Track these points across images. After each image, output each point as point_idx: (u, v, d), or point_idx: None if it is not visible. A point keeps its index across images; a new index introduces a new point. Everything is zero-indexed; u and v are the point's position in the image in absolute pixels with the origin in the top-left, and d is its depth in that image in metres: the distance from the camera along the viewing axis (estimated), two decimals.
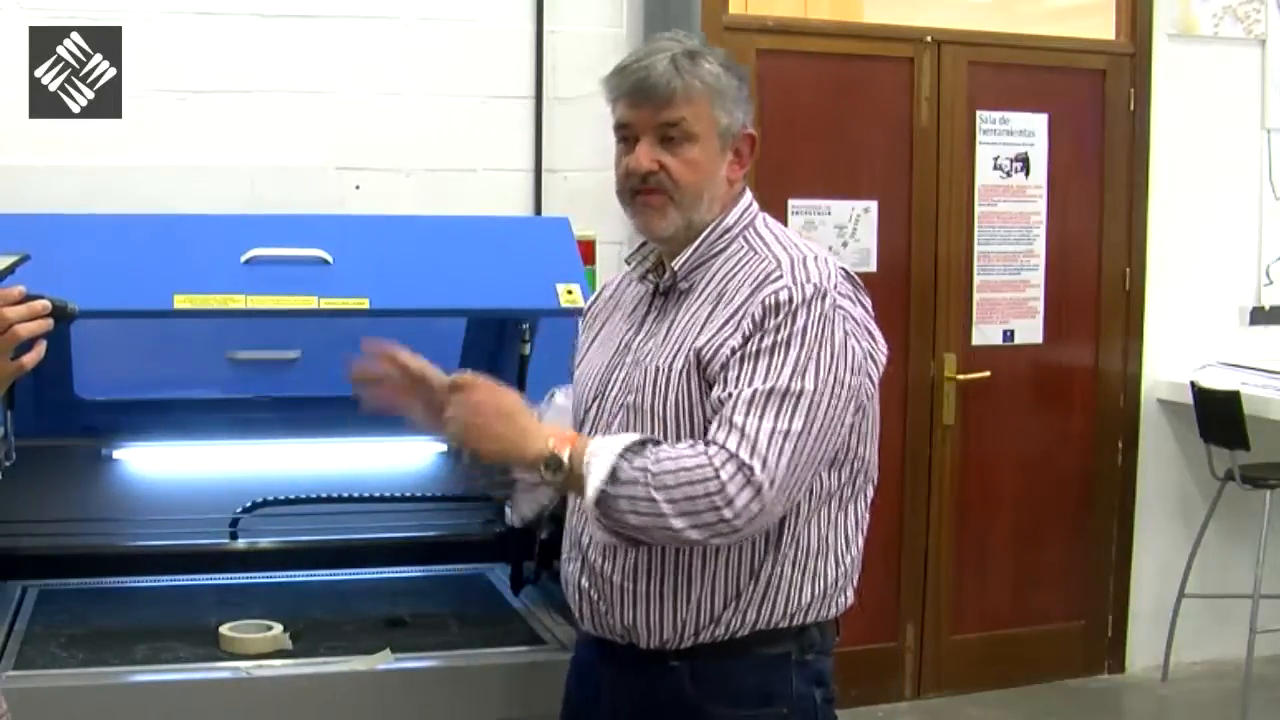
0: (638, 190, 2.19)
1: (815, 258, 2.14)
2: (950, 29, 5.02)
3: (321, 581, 3.25)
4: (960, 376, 5.02)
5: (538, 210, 4.39)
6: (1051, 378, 5.20)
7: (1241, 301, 5.36)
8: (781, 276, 2.11)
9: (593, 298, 2.47)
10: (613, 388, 2.23)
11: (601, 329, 2.36)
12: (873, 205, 4.88)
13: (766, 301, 2.08)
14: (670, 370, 2.13)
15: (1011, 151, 5.05)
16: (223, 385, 3.42)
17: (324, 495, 3.30)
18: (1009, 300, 5.09)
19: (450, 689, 2.74)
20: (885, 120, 4.90)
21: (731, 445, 2.00)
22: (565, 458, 2.04)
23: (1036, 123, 5.07)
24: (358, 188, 4.25)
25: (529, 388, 3.25)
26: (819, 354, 2.05)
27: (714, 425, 2.04)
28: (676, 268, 2.20)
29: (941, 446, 5.03)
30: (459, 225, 3.47)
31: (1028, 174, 5.07)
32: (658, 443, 2.06)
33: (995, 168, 5.03)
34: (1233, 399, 4.88)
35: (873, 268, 4.82)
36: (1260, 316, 5.36)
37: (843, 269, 2.17)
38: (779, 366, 2.04)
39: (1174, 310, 5.26)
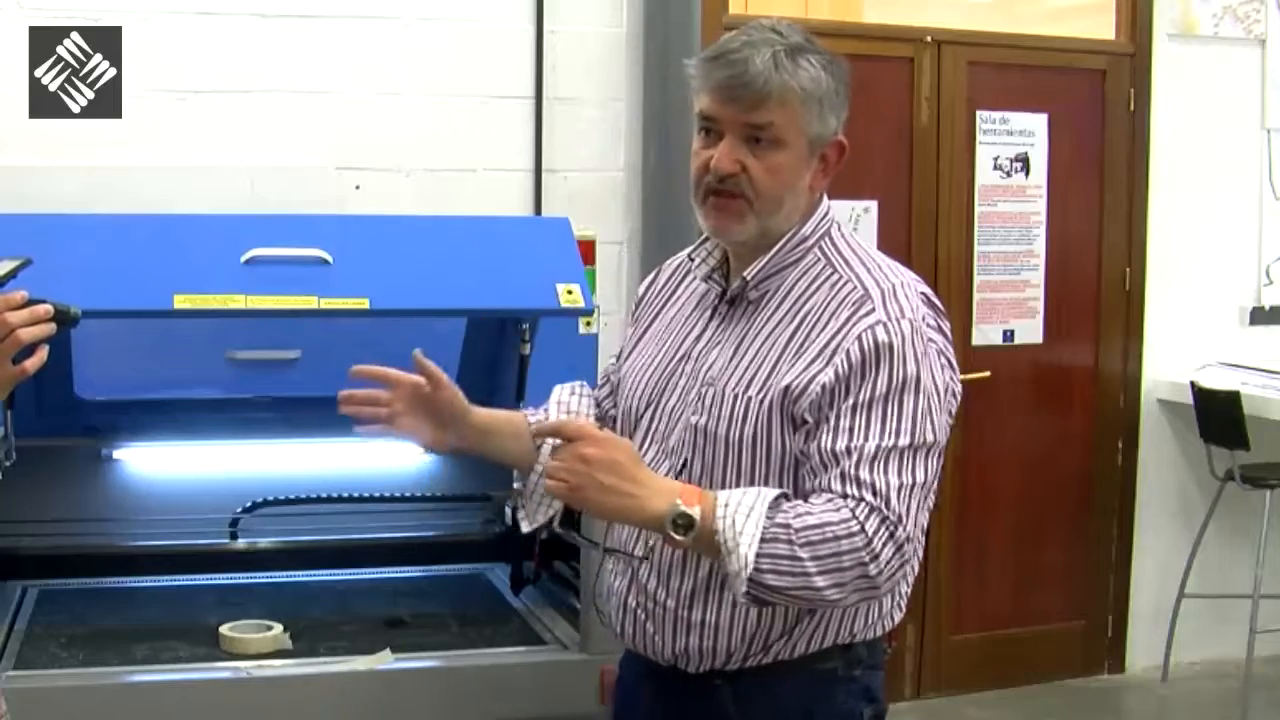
0: (714, 190, 2.05)
1: (904, 285, 2.06)
2: (950, 29, 5.02)
3: (321, 581, 3.25)
4: (960, 376, 5.01)
5: (538, 210, 4.39)
6: (1051, 378, 5.20)
7: (1241, 301, 5.35)
8: (874, 310, 2.00)
9: (644, 286, 2.32)
10: (670, 397, 2.13)
11: (653, 322, 2.24)
12: (873, 205, 4.88)
13: (865, 343, 1.97)
14: (749, 400, 2.02)
15: (1011, 151, 5.05)
16: (223, 385, 3.41)
17: (324, 495, 3.31)
18: (1009, 300, 5.09)
19: (450, 689, 2.74)
20: (885, 120, 4.90)
21: (872, 500, 1.91)
22: (697, 516, 1.90)
23: (1036, 123, 5.07)
24: (358, 188, 4.25)
25: (529, 388, 3.26)
26: (931, 401, 1.98)
27: (837, 479, 1.94)
28: (749, 277, 2.08)
29: None
30: (459, 225, 3.47)
31: (1028, 174, 5.07)
32: (788, 496, 1.97)
33: (995, 168, 5.03)
34: (1233, 399, 4.88)
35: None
36: (1260, 316, 5.36)
37: (924, 294, 2.10)
38: (898, 418, 1.95)
39: (1174, 310, 5.26)
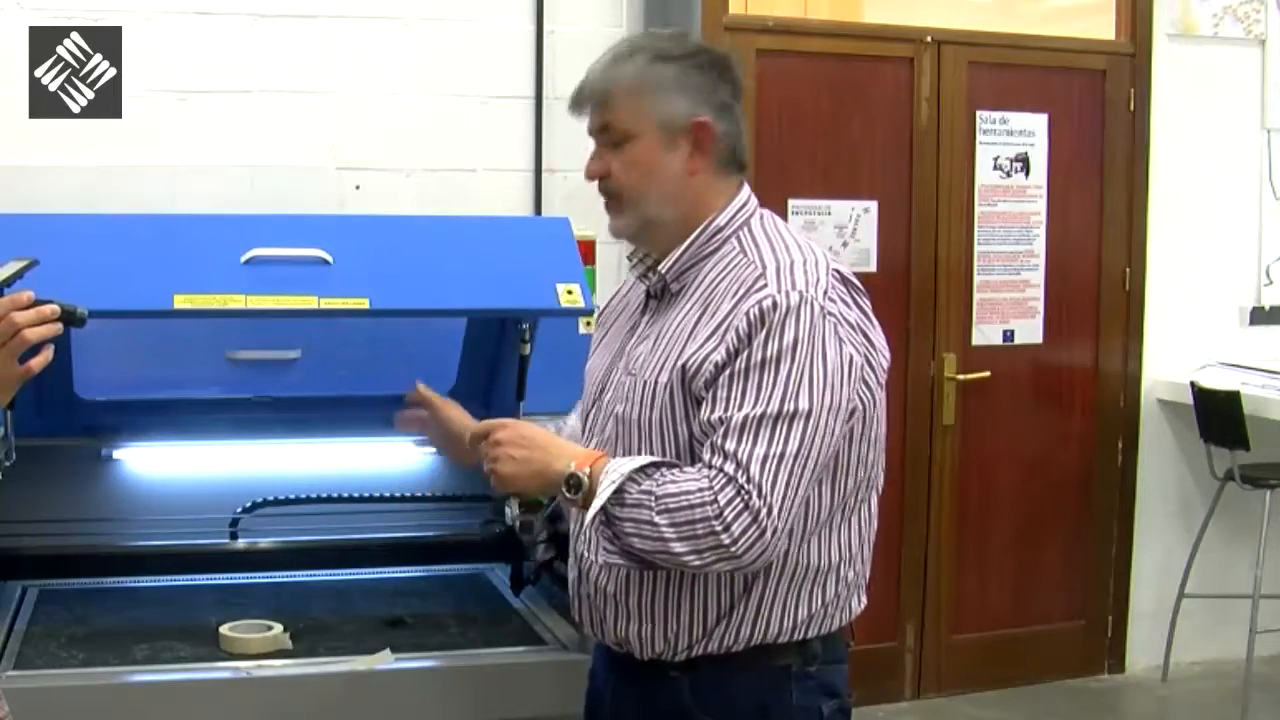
0: (602, 195, 2.20)
1: (805, 262, 2.08)
2: (950, 29, 5.02)
3: (321, 581, 3.25)
4: (960, 376, 5.02)
5: (538, 210, 4.40)
6: (1051, 378, 5.20)
7: (1241, 301, 5.36)
8: (766, 285, 2.04)
9: (610, 298, 2.42)
10: (607, 393, 2.21)
11: (609, 330, 2.33)
12: (873, 205, 4.88)
13: (751, 314, 2.01)
14: (656, 384, 2.09)
15: (1011, 151, 5.05)
16: (223, 385, 3.41)
17: (324, 495, 3.30)
18: (1009, 300, 5.09)
19: (450, 689, 2.74)
20: (885, 120, 4.90)
21: (729, 470, 1.96)
22: (585, 477, 2.03)
23: (1036, 123, 5.07)
24: (358, 188, 4.25)
25: (529, 388, 3.26)
26: (811, 370, 1.99)
27: (707, 449, 2.01)
28: (664, 270, 2.16)
29: (941, 446, 5.04)
30: (459, 225, 3.47)
31: (1028, 174, 5.07)
32: (674, 465, 2.03)
33: (995, 168, 5.03)
34: (1233, 399, 4.88)
35: (873, 268, 4.82)
36: (1260, 316, 5.36)
37: (837, 270, 2.11)
38: (770, 386, 1.99)
39: (1174, 310, 5.26)
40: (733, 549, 1.96)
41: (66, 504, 3.22)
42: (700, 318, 2.09)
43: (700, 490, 1.97)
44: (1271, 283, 5.37)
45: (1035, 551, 5.22)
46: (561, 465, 2.06)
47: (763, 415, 1.98)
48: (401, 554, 3.33)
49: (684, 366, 2.06)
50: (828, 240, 4.74)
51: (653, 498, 1.98)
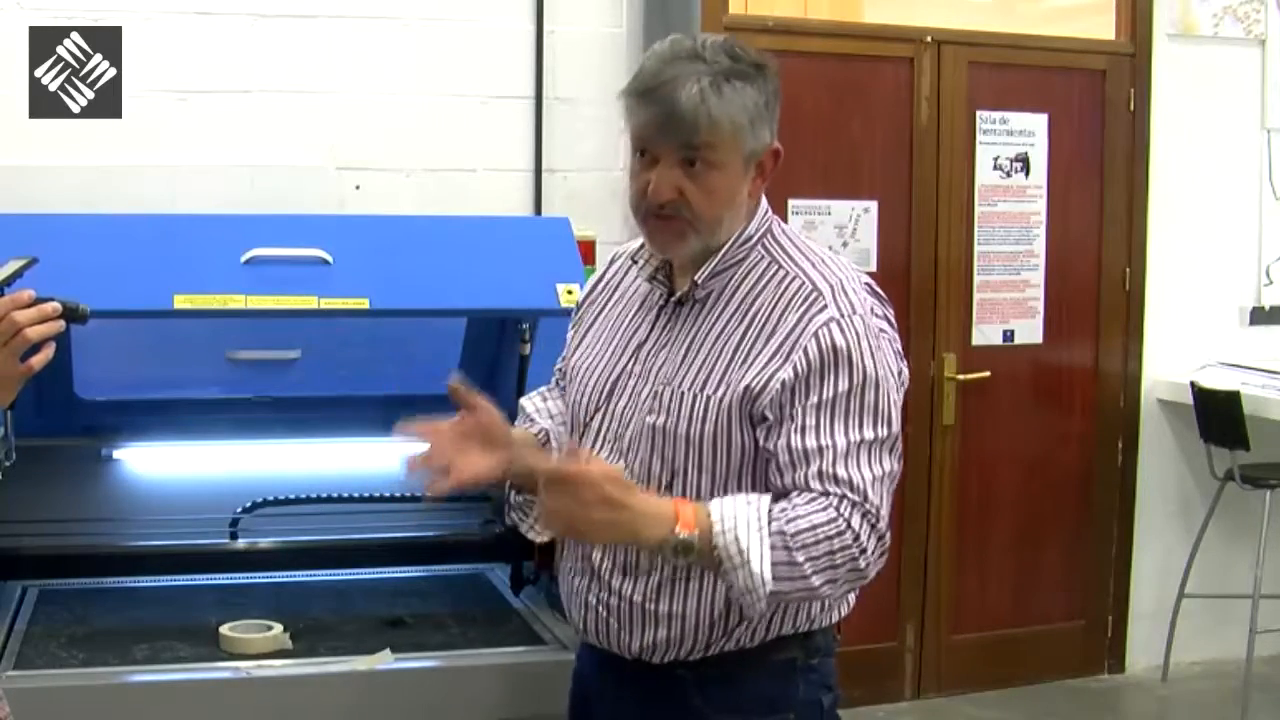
0: (654, 213, 2.07)
1: (849, 279, 2.10)
2: (950, 29, 5.02)
3: (321, 581, 3.25)
4: (960, 376, 5.02)
5: (538, 210, 4.39)
6: (1051, 378, 5.20)
7: (1241, 301, 5.36)
8: (827, 306, 2.04)
9: (590, 282, 2.35)
10: (619, 399, 2.16)
11: (595, 322, 2.26)
12: (873, 205, 4.88)
13: (823, 341, 2.02)
14: (709, 399, 2.06)
15: (1011, 151, 5.05)
16: (223, 385, 3.41)
17: (324, 495, 3.30)
18: (1009, 300, 5.09)
19: (450, 689, 2.74)
20: (885, 120, 4.90)
21: (854, 497, 1.98)
22: (695, 541, 1.95)
23: (1036, 123, 5.07)
24: (358, 188, 4.25)
25: (529, 388, 3.26)
26: (890, 391, 2.05)
27: (814, 477, 1.99)
28: (699, 280, 2.11)
29: (941, 446, 5.03)
30: (459, 225, 3.47)
31: (1028, 174, 5.07)
32: (778, 497, 2.01)
33: (995, 168, 5.03)
34: (1233, 399, 4.88)
35: (873, 268, 4.81)
36: (1260, 316, 5.36)
37: (867, 284, 2.14)
38: (864, 412, 2.02)
39: (1174, 310, 5.26)
40: (867, 571, 2.01)
41: (66, 504, 3.22)
42: (748, 333, 2.07)
43: (831, 521, 1.97)
44: (1271, 283, 5.37)
45: (1035, 551, 5.21)
46: (661, 531, 1.94)
47: (866, 441, 2.02)
48: (401, 554, 3.33)
49: (747, 388, 2.04)
50: (828, 240, 4.74)
51: (786, 536, 1.96)
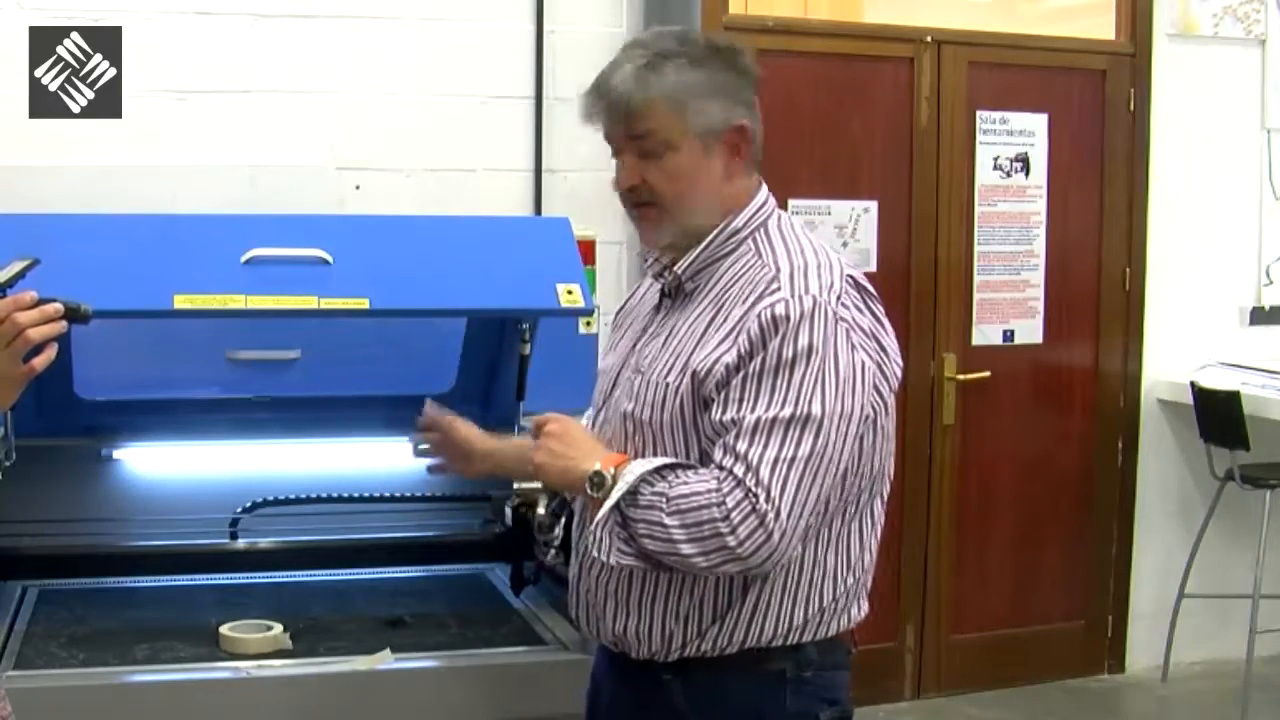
0: (630, 204, 2.15)
1: (819, 266, 2.07)
2: (950, 29, 5.02)
3: (321, 581, 3.25)
4: (960, 376, 5.02)
5: (538, 210, 4.39)
6: (1051, 378, 5.20)
7: (1241, 301, 5.36)
8: (779, 288, 2.03)
9: (626, 299, 2.40)
10: (615, 391, 2.20)
11: (625, 331, 2.31)
12: (873, 205, 4.88)
13: (764, 317, 2.00)
14: (667, 385, 2.08)
15: (1011, 151, 5.05)
16: (223, 385, 3.41)
17: (324, 495, 3.30)
18: (1009, 300, 5.09)
19: (450, 689, 2.74)
20: (885, 120, 4.90)
21: (738, 472, 1.95)
22: (609, 476, 2.02)
23: (1036, 123, 5.07)
24: (358, 188, 4.25)
25: (529, 388, 3.26)
26: (824, 375, 1.98)
27: (718, 450, 1.99)
28: (679, 270, 2.14)
29: (941, 446, 5.03)
30: (459, 225, 3.47)
31: (1028, 174, 5.07)
32: (690, 467, 2.02)
33: (995, 168, 5.03)
34: (1233, 399, 4.88)
35: (873, 268, 4.82)
36: (1260, 316, 5.36)
37: (850, 276, 2.10)
38: (784, 390, 1.97)
39: (1174, 310, 5.26)
40: (738, 551, 1.95)
41: (66, 504, 3.22)
42: (712, 320, 2.08)
43: (708, 491, 1.96)
44: (1271, 283, 5.37)
45: (1035, 551, 5.21)
46: (589, 464, 2.05)
47: (775, 419, 1.97)
48: (401, 554, 3.33)
49: (695, 370, 2.05)
50: (827, 240, 4.70)
51: (664, 499, 1.98)
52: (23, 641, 2.81)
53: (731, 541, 1.94)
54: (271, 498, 3.28)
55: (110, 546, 3.23)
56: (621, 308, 2.39)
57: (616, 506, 2.01)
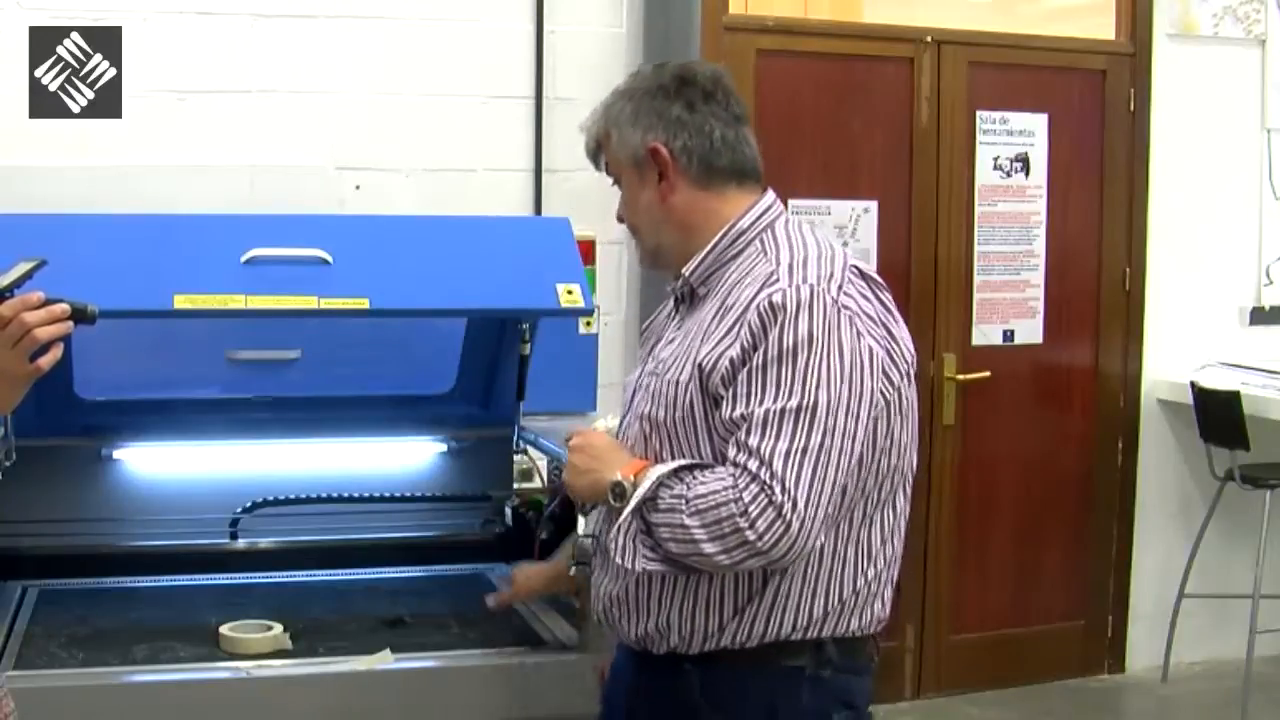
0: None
1: (820, 256, 2.09)
2: (950, 29, 5.02)
3: (321, 581, 3.25)
4: (960, 376, 5.02)
5: (538, 210, 4.40)
6: (1051, 378, 5.20)
7: (1241, 301, 5.36)
8: (778, 280, 2.05)
9: (654, 314, 2.43)
10: (637, 395, 2.22)
11: (651, 342, 2.34)
12: (873, 205, 4.88)
13: (762, 307, 2.02)
14: (678, 384, 2.10)
15: (1011, 151, 5.05)
16: (223, 385, 3.41)
17: (324, 495, 3.30)
18: (1009, 300, 5.09)
19: (450, 689, 2.74)
20: (885, 120, 4.90)
21: (752, 466, 1.96)
22: (629, 485, 2.05)
23: (1036, 123, 5.07)
24: (358, 188, 4.25)
25: (529, 388, 3.26)
26: (829, 362, 1.99)
27: (732, 446, 2.00)
28: (687, 274, 2.18)
29: (941, 446, 5.04)
30: (459, 225, 3.47)
31: (1028, 174, 5.07)
32: (707, 467, 2.03)
33: (995, 168, 5.03)
34: (1233, 399, 4.88)
35: (873, 268, 4.81)
36: (1260, 316, 5.36)
37: (855, 267, 2.13)
38: (789, 380, 1.98)
39: (1174, 310, 5.26)
40: (759, 544, 1.95)
41: (66, 504, 3.22)
42: (717, 315, 2.10)
43: (725, 489, 1.97)
44: (1271, 283, 5.37)
45: (1035, 551, 5.22)
46: (611, 475, 2.08)
47: (783, 409, 1.98)
48: (401, 554, 3.33)
49: (700, 365, 2.06)
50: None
51: (684, 500, 1.99)
52: (23, 641, 2.80)
53: (751, 536, 1.95)
54: (271, 498, 3.28)
55: (110, 546, 3.23)
56: (647, 325, 2.41)
57: (638, 513, 2.03)
